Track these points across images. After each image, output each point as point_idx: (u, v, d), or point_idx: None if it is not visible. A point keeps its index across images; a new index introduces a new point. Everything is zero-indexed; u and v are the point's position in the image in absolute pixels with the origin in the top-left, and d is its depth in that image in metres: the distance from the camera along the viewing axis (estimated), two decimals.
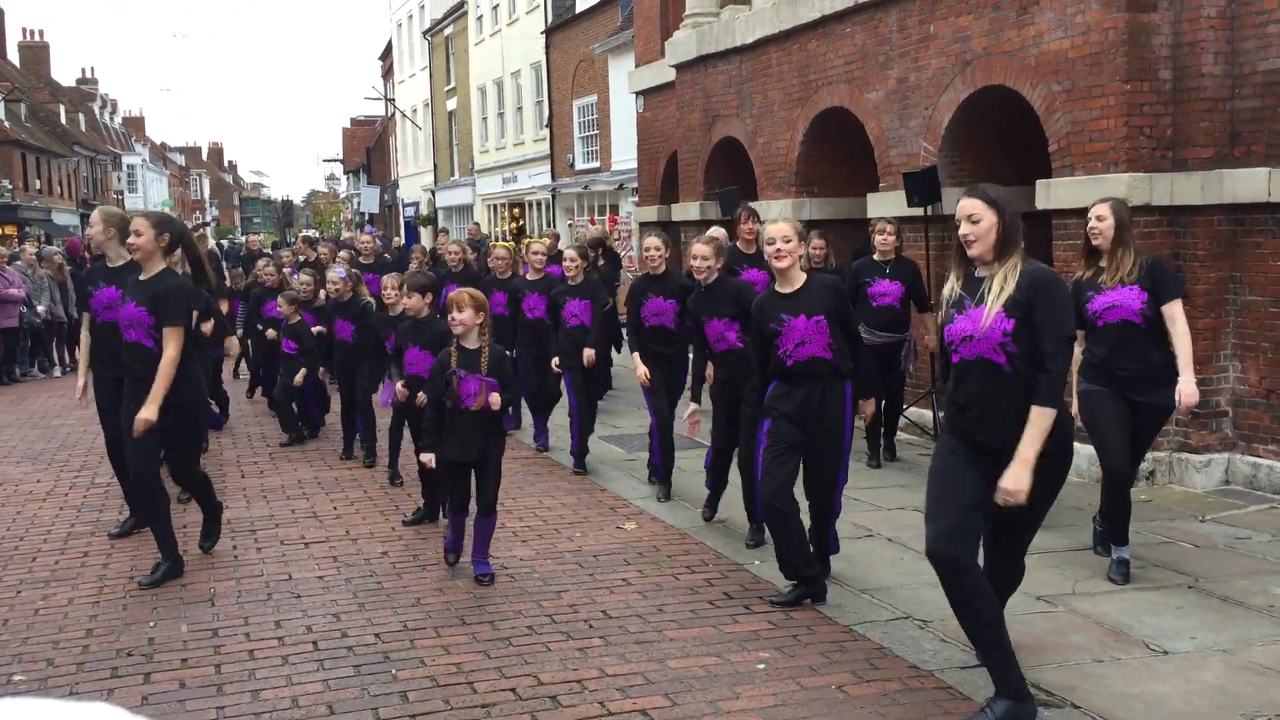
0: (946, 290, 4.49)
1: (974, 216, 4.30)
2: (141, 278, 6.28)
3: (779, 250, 5.67)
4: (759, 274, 7.92)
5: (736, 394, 6.93)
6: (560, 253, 11.00)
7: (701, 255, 7.16)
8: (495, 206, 35.51)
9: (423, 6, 43.18)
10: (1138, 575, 6.16)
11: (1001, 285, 4.23)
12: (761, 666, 5.01)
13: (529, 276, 10.14)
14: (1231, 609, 5.59)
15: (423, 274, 7.17)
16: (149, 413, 6.06)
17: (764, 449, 5.79)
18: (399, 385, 7.64)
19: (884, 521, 7.43)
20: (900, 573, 6.21)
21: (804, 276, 5.80)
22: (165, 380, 6.10)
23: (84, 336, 7.47)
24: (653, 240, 8.19)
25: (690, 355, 7.72)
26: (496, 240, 14.97)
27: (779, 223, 5.80)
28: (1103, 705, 4.52)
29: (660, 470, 8.32)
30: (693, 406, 6.92)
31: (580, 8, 27.01)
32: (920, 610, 5.64)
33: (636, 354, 8.21)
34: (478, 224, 29.03)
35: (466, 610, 5.87)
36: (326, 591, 6.21)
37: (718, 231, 9.41)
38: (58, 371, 17.91)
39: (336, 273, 10.05)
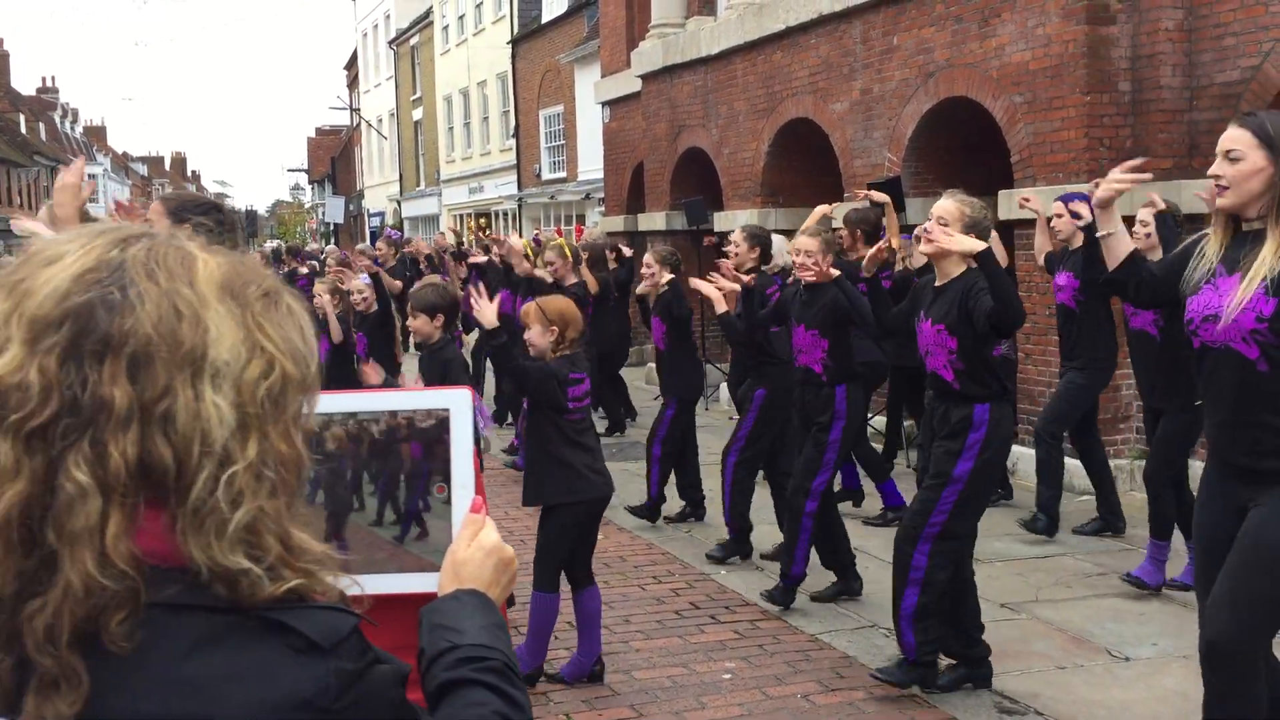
0: (1210, 252, 3.38)
1: (1233, 153, 3.25)
2: None
3: (927, 231, 4.58)
4: None
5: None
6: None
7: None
8: (461, 216, 35.41)
9: (388, 16, 43.03)
10: (1100, 582, 6.20)
11: (1271, 253, 3.16)
12: (728, 676, 5.00)
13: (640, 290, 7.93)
14: (1192, 614, 5.61)
15: (434, 287, 5.80)
16: None
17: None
18: None
19: (849, 530, 7.44)
20: (866, 581, 6.21)
21: (961, 269, 4.57)
22: None
23: None
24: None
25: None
26: (547, 238, 12.73)
27: (945, 199, 4.65)
28: (1066, 712, 4.55)
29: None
30: None
31: (546, 18, 27.01)
32: (886, 619, 5.63)
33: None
34: (444, 233, 28.94)
35: None
36: None
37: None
38: None
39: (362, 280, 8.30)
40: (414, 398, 1.69)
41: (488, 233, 19.65)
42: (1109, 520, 7.05)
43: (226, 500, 1.00)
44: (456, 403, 1.59)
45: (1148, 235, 5.97)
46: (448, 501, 1.56)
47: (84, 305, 0.98)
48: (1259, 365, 3.18)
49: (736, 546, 6.75)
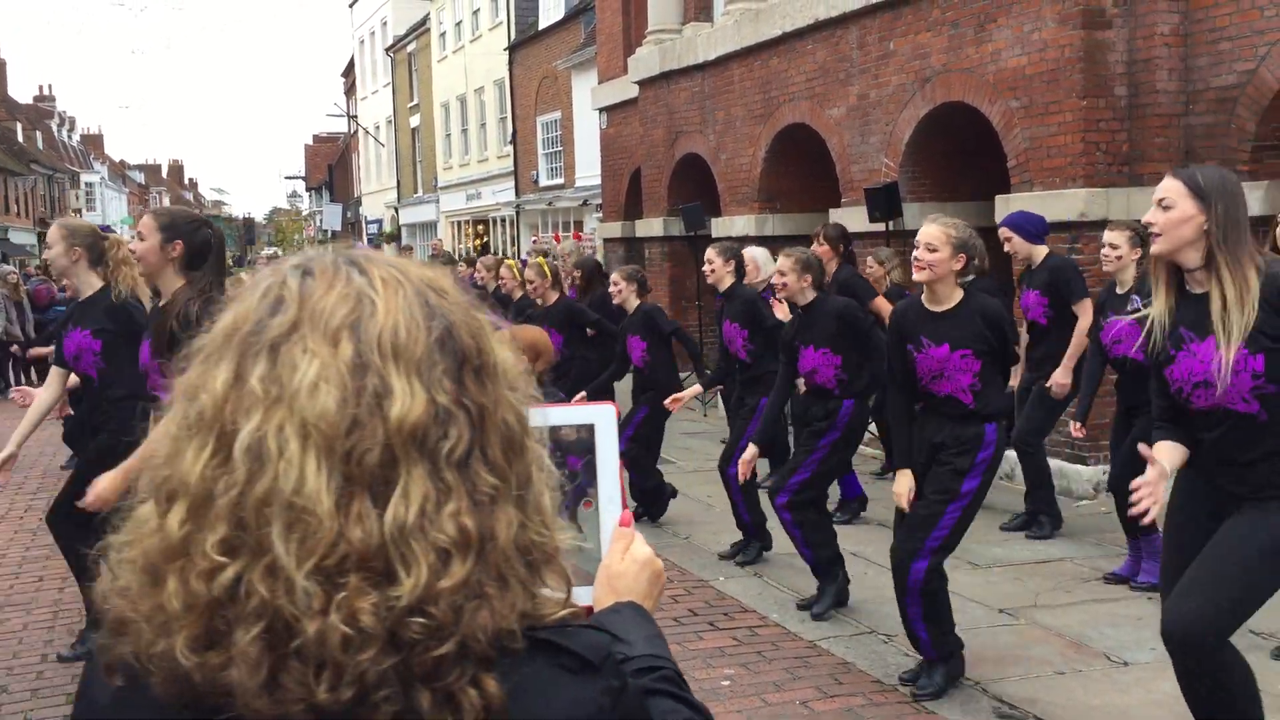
0: (1154, 311, 3.45)
1: (1165, 201, 3.34)
2: (164, 303, 4.28)
3: (917, 259, 4.59)
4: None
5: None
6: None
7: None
8: (459, 223, 35.42)
9: (385, 23, 43.06)
10: (1098, 587, 6.20)
11: (1226, 307, 3.25)
12: (727, 683, 5.00)
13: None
14: None
15: None
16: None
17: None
18: None
19: (848, 536, 7.43)
20: (864, 587, 6.21)
21: (959, 294, 4.64)
22: None
23: (43, 395, 5.41)
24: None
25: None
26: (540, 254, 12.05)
27: (928, 225, 4.62)
28: (1064, 717, 4.55)
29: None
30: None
31: (543, 24, 27.03)
32: (884, 625, 5.65)
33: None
34: (440, 240, 28.95)
35: None
36: None
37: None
38: (12, 391, 17.66)
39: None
40: (560, 413, 1.71)
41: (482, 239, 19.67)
42: (1039, 517, 7.31)
43: (547, 488, 1.08)
44: (601, 418, 1.61)
45: (1118, 258, 6.11)
46: (595, 514, 1.59)
47: (440, 334, 1.03)
48: (1260, 418, 3.29)
49: (754, 545, 6.93)
